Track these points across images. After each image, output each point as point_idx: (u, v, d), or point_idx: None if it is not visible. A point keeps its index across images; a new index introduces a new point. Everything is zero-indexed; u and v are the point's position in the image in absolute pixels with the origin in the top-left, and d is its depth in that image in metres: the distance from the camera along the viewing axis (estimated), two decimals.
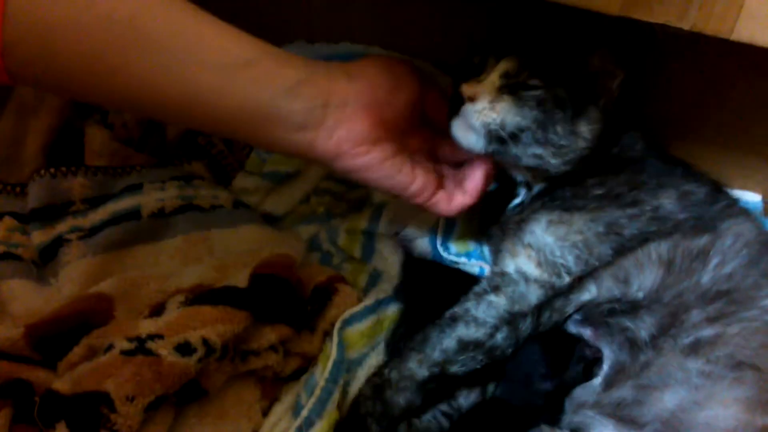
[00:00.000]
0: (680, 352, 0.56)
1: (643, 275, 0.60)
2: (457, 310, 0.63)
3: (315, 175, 0.86)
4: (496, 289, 0.63)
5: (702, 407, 0.54)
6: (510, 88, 0.59)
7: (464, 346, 0.61)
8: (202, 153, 0.89)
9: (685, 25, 0.48)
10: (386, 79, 0.58)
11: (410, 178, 0.59)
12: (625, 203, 0.63)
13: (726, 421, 0.52)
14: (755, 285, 0.58)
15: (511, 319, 0.62)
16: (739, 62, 0.67)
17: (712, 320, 0.57)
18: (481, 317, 0.61)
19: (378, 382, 0.62)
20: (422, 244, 0.79)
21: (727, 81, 0.71)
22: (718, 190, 0.66)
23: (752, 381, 0.54)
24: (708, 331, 0.56)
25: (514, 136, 0.59)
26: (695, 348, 0.56)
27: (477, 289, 0.64)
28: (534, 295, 0.62)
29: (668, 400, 0.55)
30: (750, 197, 0.76)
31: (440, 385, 0.61)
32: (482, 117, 0.59)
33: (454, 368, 0.61)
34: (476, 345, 0.61)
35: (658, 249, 0.60)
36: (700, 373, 0.55)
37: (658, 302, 0.59)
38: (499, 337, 0.61)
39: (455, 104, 0.60)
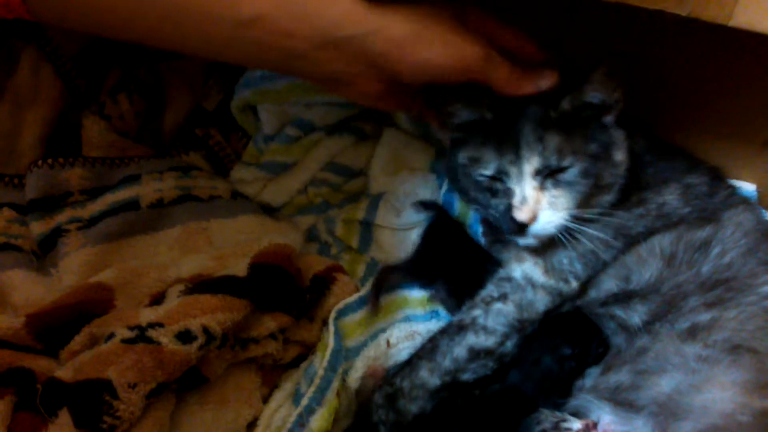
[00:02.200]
0: (677, 337, 0.57)
1: (644, 270, 0.61)
2: (464, 318, 0.63)
3: (312, 166, 0.87)
4: (503, 296, 0.62)
5: (699, 390, 0.54)
6: (551, 183, 0.58)
7: (475, 354, 0.61)
8: (200, 144, 0.90)
9: (683, 12, 0.48)
10: None
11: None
12: (631, 204, 0.63)
13: (723, 404, 0.52)
14: (752, 273, 0.59)
15: (520, 327, 0.61)
16: (735, 50, 0.68)
17: (709, 306, 0.57)
18: (490, 326, 0.61)
19: (390, 392, 0.62)
20: None
21: (723, 70, 0.71)
22: (717, 178, 0.66)
23: (749, 364, 0.54)
24: (705, 316, 0.57)
25: (580, 205, 0.59)
26: (692, 333, 0.56)
27: (484, 295, 0.64)
28: (542, 302, 0.62)
29: (665, 384, 0.55)
30: (745, 187, 0.76)
31: (452, 392, 0.61)
32: (550, 226, 0.58)
33: (466, 376, 0.61)
34: (487, 353, 0.61)
35: (662, 242, 0.61)
36: (697, 357, 0.55)
37: (655, 293, 0.60)
38: (509, 344, 0.61)
39: (514, 227, 0.58)
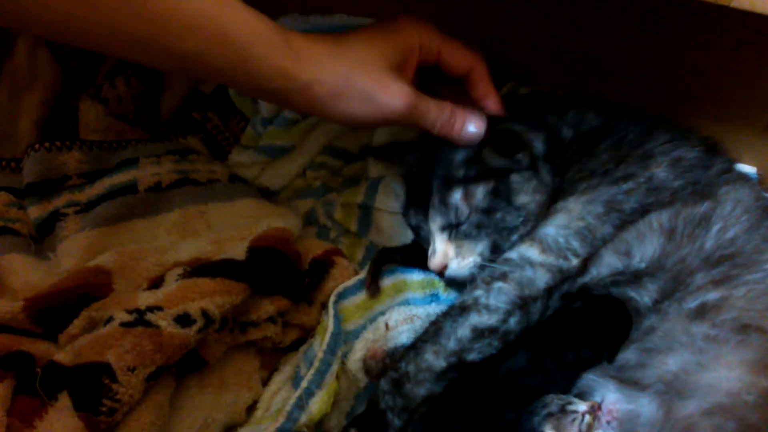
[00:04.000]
0: (686, 317, 0.56)
1: (645, 245, 0.60)
2: (466, 299, 0.63)
3: (311, 149, 0.86)
4: (503, 276, 0.62)
5: (706, 369, 0.54)
6: (455, 235, 0.66)
7: (479, 333, 0.61)
8: (198, 128, 0.89)
9: None
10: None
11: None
12: (617, 179, 0.62)
13: (730, 383, 0.52)
14: (758, 249, 0.58)
15: (522, 304, 0.61)
16: (736, 32, 0.67)
17: (717, 283, 0.57)
18: (492, 304, 0.61)
19: (396, 377, 0.61)
20: None
21: (723, 52, 0.71)
22: (710, 150, 0.65)
23: (757, 343, 0.54)
24: (714, 295, 0.57)
25: (493, 246, 0.65)
26: (701, 312, 0.56)
27: (483, 276, 0.64)
28: (542, 279, 0.61)
29: (672, 362, 0.55)
30: (745, 169, 0.76)
31: (459, 373, 0.61)
32: (461, 271, 0.66)
33: (472, 356, 0.61)
34: (491, 331, 0.61)
35: (659, 218, 0.60)
36: (705, 337, 0.55)
37: (661, 269, 0.59)
38: (512, 321, 0.61)
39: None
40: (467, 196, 0.65)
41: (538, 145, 0.66)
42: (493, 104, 0.65)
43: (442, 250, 0.67)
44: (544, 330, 0.61)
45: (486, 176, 0.65)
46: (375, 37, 0.58)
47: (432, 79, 0.63)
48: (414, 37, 0.60)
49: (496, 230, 0.65)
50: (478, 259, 0.65)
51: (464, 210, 0.65)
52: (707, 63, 0.72)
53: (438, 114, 0.61)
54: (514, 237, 0.65)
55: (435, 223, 0.67)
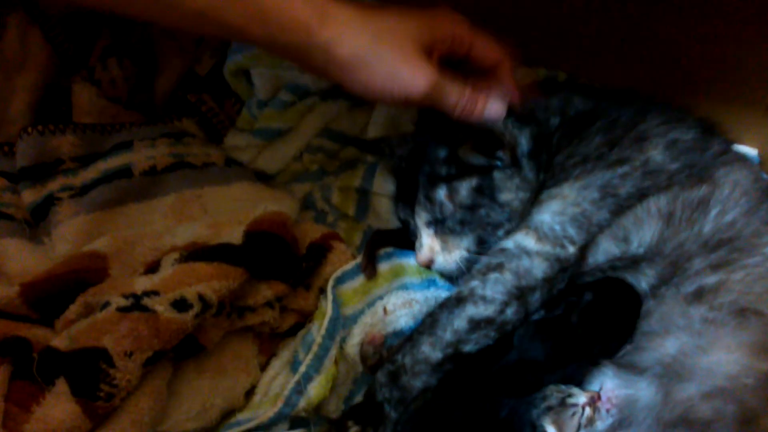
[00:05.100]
0: (683, 300, 0.56)
1: (643, 230, 0.60)
2: (462, 290, 0.63)
3: (307, 132, 0.85)
4: (499, 266, 0.62)
5: (705, 352, 0.54)
6: (440, 230, 0.67)
7: (476, 324, 0.60)
8: (193, 110, 0.88)
9: None
10: None
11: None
12: (611, 163, 0.62)
13: (729, 366, 0.52)
14: (757, 232, 0.58)
15: (519, 295, 0.61)
16: (736, 14, 0.66)
17: (715, 268, 0.57)
18: (489, 295, 0.61)
19: (393, 369, 0.61)
20: None
21: (723, 34, 0.70)
22: (706, 131, 0.64)
23: (756, 326, 0.54)
24: (711, 279, 0.56)
25: (479, 240, 0.66)
26: (698, 295, 0.56)
27: (479, 267, 0.63)
28: (539, 269, 0.61)
29: (670, 345, 0.55)
30: (747, 151, 0.76)
31: (456, 364, 0.61)
32: (448, 265, 0.67)
33: (468, 347, 0.60)
34: (488, 322, 0.60)
35: (658, 203, 0.60)
36: (703, 320, 0.55)
37: (660, 254, 0.59)
38: (509, 312, 0.60)
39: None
40: (451, 193, 0.65)
41: (523, 141, 0.66)
42: (513, 100, 0.65)
43: (428, 244, 0.68)
44: (562, 326, 0.60)
45: (469, 173, 0.65)
46: (409, 15, 0.57)
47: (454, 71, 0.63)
48: (447, 26, 0.60)
49: (480, 226, 0.65)
50: (465, 254, 0.66)
51: (448, 206, 0.66)
52: (708, 43, 0.71)
53: (459, 97, 0.60)
54: (500, 232, 0.65)
55: (421, 219, 0.68)
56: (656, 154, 0.61)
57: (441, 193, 0.65)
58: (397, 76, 0.56)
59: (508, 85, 0.65)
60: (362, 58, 0.54)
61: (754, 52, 0.70)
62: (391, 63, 0.55)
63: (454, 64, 0.62)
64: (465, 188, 0.65)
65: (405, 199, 0.71)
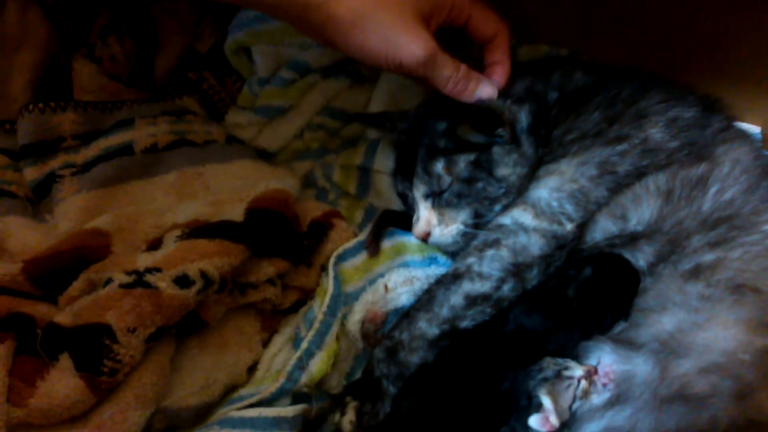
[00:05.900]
0: (680, 277, 0.56)
1: (642, 208, 0.60)
2: (458, 266, 0.63)
3: (308, 110, 0.85)
4: (496, 242, 0.62)
5: (701, 328, 0.54)
6: (438, 203, 0.67)
7: (472, 301, 0.61)
8: (193, 88, 0.88)
9: None
10: None
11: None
12: (610, 140, 0.61)
13: (726, 342, 0.53)
14: (755, 210, 0.58)
15: (516, 271, 0.61)
16: None
17: (713, 245, 0.57)
18: (485, 271, 0.61)
19: (390, 345, 0.61)
20: None
21: (730, 11, 0.69)
22: (708, 109, 0.64)
23: (753, 303, 0.54)
24: (709, 256, 0.56)
25: (476, 215, 0.66)
26: (696, 273, 0.56)
27: (476, 244, 0.64)
28: (536, 246, 0.61)
29: (667, 322, 0.55)
30: (749, 128, 0.75)
31: (453, 340, 0.61)
32: (444, 239, 0.67)
33: (465, 323, 0.61)
34: (484, 298, 0.61)
35: (656, 181, 0.60)
36: (700, 296, 0.55)
37: (658, 232, 0.59)
38: (506, 288, 0.61)
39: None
40: (449, 166, 0.65)
41: (522, 118, 0.65)
42: (500, 74, 0.66)
43: (425, 217, 0.68)
44: (557, 298, 0.60)
45: (468, 147, 0.65)
46: None
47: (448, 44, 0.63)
48: None
49: (477, 200, 0.65)
50: (462, 227, 0.66)
51: (446, 179, 0.66)
52: (711, 21, 0.71)
53: (453, 72, 0.61)
54: (497, 207, 0.65)
55: (419, 191, 0.68)
56: (655, 132, 0.61)
57: (439, 165, 0.65)
58: (393, 40, 0.56)
59: (501, 59, 0.65)
60: (360, 18, 0.54)
61: (757, 31, 0.69)
62: (389, 27, 0.55)
63: (452, 34, 0.63)
64: (463, 161, 0.65)
65: (404, 173, 0.71)
